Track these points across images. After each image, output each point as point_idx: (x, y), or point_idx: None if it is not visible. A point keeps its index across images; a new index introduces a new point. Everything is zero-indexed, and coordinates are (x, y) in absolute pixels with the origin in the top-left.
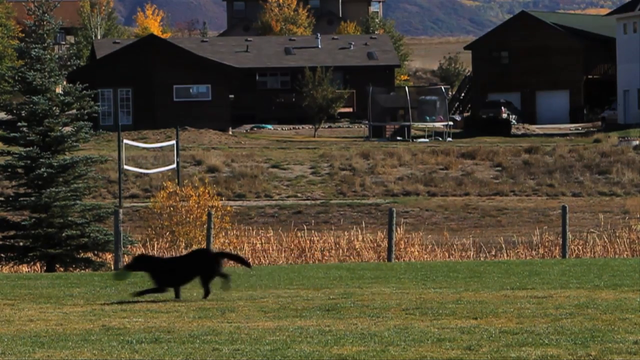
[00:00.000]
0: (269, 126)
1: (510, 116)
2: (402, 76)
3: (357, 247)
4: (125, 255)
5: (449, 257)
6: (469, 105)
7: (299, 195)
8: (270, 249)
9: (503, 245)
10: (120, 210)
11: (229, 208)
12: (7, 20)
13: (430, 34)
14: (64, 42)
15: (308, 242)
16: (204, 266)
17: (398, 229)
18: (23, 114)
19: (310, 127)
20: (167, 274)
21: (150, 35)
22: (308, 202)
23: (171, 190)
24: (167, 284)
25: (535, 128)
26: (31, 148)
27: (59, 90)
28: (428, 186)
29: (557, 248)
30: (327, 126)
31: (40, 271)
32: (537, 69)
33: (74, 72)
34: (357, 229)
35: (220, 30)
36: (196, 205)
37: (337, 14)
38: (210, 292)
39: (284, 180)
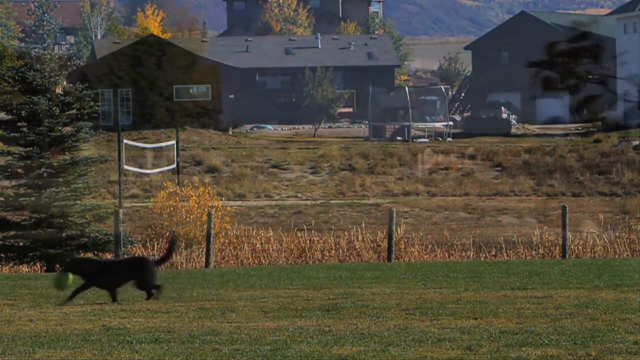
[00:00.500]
0: (269, 126)
1: (510, 116)
2: (402, 76)
3: (357, 247)
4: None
5: (449, 257)
6: (469, 105)
7: (299, 195)
8: (270, 249)
9: (503, 245)
10: (120, 210)
11: (229, 208)
12: (7, 20)
13: (430, 34)
14: (64, 42)
15: (308, 242)
16: (137, 272)
17: (398, 229)
18: (23, 114)
19: (310, 127)
20: (102, 277)
21: (150, 35)
22: (308, 202)
23: (171, 190)
24: (100, 286)
25: (535, 128)
26: (31, 148)
27: (59, 90)
28: (428, 186)
29: (557, 248)
30: (327, 126)
31: (40, 271)
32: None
33: (74, 72)
34: (357, 229)
35: (220, 30)
36: (196, 205)
37: (337, 14)
38: (154, 295)
39: (284, 180)
